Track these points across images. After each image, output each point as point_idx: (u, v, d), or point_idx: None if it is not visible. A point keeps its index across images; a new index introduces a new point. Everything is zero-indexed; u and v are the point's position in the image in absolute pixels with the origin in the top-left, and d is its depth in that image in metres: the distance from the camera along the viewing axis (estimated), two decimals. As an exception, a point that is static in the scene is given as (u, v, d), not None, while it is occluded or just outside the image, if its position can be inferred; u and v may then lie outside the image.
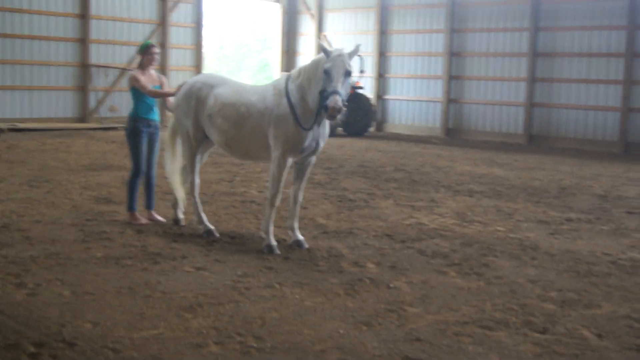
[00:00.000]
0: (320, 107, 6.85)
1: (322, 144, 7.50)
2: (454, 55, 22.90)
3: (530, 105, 21.12)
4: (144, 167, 8.53)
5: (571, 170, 15.22)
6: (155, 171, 8.77)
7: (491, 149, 19.18)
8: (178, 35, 23.58)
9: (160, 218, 8.68)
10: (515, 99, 21.55)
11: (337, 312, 5.50)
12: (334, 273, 6.58)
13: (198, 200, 8.12)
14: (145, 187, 8.72)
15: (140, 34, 22.65)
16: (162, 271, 6.43)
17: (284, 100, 7.28)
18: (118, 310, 5.34)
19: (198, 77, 8.25)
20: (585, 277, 6.72)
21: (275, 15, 27.83)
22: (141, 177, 8.53)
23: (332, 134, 20.88)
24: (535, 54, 21.01)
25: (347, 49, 7.01)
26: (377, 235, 8.18)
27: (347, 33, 25.64)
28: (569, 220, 9.52)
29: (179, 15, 23.58)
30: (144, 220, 8.47)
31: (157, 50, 8.61)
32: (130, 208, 8.53)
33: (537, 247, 7.80)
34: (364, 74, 23.01)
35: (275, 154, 7.32)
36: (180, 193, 8.40)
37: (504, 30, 21.78)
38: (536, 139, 21.06)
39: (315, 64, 7.13)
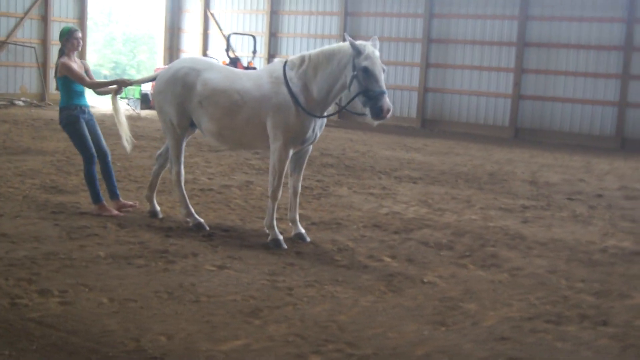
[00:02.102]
0: (366, 106, 6.57)
1: (319, 133, 7.26)
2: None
3: (424, 90, 21.64)
4: (94, 152, 7.91)
5: (482, 155, 15.78)
6: (110, 156, 8.16)
7: (390, 133, 19.45)
8: (61, 8, 22.03)
9: (130, 202, 8.15)
10: (409, 84, 22.00)
11: (400, 311, 5.35)
12: (360, 269, 6.40)
13: (184, 191, 7.62)
14: (104, 175, 8.12)
15: (20, 4, 20.96)
16: (185, 271, 5.98)
17: (283, 88, 6.95)
18: (180, 319, 4.90)
19: (182, 62, 7.70)
20: (592, 266, 6.95)
21: (157, -10, 26.76)
22: (95, 163, 7.91)
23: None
24: (429, 40, 21.53)
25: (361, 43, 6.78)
26: (367, 226, 8.06)
27: (237, 12, 25.10)
28: (525, 207, 9.84)
29: (62, 10, 22.05)
30: (114, 212, 7.86)
31: (79, 34, 8.00)
32: (96, 200, 7.90)
33: (524, 237, 7.99)
34: (256, 55, 22.73)
35: (275, 144, 6.98)
36: (125, 135, 8.00)
37: (397, 16, 22.14)
38: (429, 123, 21.64)
39: (328, 55, 6.83)
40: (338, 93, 6.95)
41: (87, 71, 8.06)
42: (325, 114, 7.09)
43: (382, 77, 6.54)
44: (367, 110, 6.56)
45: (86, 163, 7.90)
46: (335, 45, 6.94)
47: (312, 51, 7.07)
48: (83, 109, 7.94)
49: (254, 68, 22.10)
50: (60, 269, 5.83)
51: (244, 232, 7.45)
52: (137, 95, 21.23)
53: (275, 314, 5.11)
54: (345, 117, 22.90)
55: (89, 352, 4.26)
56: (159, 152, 8.08)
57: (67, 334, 4.50)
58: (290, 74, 6.99)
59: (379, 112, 6.44)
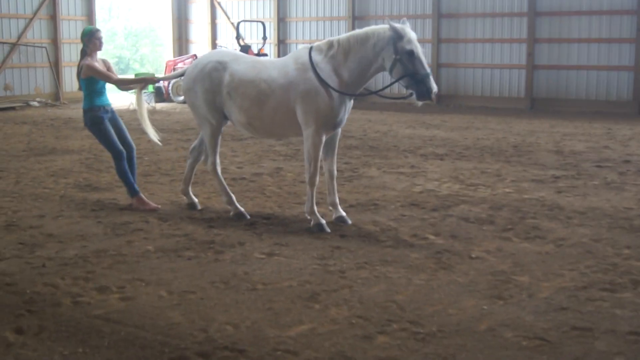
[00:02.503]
0: (410, 88, 6.76)
1: (346, 117, 7.28)
2: (357, 18, 22.93)
3: (437, 65, 21.57)
4: (122, 148, 7.95)
5: (503, 128, 15.75)
6: (135, 150, 8.21)
7: (408, 111, 19.38)
8: (69, 6, 22.03)
9: (153, 205, 8.04)
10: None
11: (454, 287, 5.38)
12: (407, 247, 6.44)
13: (223, 180, 7.67)
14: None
15: (29, 5, 20.97)
16: (235, 261, 6.03)
17: (310, 74, 6.96)
18: (241, 308, 4.95)
19: (209, 56, 7.71)
20: (635, 232, 6.96)
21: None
22: (124, 159, 7.96)
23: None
24: (439, 15, 21.43)
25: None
26: (404, 205, 8.09)
27: (244, -1, 25.03)
28: (556, 177, 9.83)
29: (69, 8, 22.04)
30: (153, 204, 7.92)
31: (101, 34, 8.00)
32: (134, 193, 7.96)
33: (562, 207, 8.00)
34: (266, 41, 22.69)
35: (308, 131, 7.01)
36: (151, 131, 8.08)
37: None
38: (445, 99, 21.57)
39: (361, 40, 6.85)
40: (371, 76, 7.04)
41: (109, 69, 8.09)
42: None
43: (424, 60, 6.62)
44: (413, 92, 6.69)
45: (116, 159, 7.96)
46: (367, 29, 6.95)
47: (341, 36, 7.09)
48: (106, 109, 7.98)
49: (265, 54, 22.09)
50: (113, 266, 5.89)
51: (284, 218, 7.49)
52: (151, 89, 21.26)
53: (333, 297, 5.15)
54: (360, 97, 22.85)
55: (160, 345, 4.32)
56: (192, 145, 8.12)
57: (135, 329, 4.56)
58: (317, 58, 7.01)
59: (427, 93, 6.61)
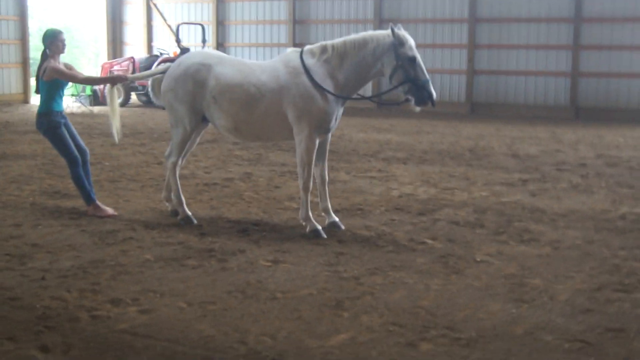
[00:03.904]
0: (409, 94, 6.76)
1: (338, 121, 7.24)
2: (297, 22, 22.89)
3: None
4: (77, 154, 7.69)
5: (451, 132, 16.02)
6: (89, 155, 7.93)
7: (353, 115, 19.41)
8: (1, 29, 21.17)
9: (109, 211, 7.73)
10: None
11: (473, 292, 5.39)
12: (410, 252, 6.42)
13: (178, 182, 7.51)
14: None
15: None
16: (243, 269, 5.87)
17: (303, 78, 6.88)
18: (270, 318, 4.81)
19: (192, 57, 7.49)
20: (622, 233, 7.16)
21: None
22: (80, 165, 7.69)
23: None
24: (381, 20, 21.62)
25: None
26: (389, 210, 8.09)
27: (182, 1, 24.63)
28: (524, 181, 10.04)
29: (1, 8, 21.20)
30: (110, 211, 7.67)
31: (64, 37, 7.74)
32: (89, 200, 7.68)
33: (542, 210, 8.15)
34: (206, 44, 22.43)
35: (301, 135, 6.91)
36: (117, 128, 7.87)
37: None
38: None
39: (358, 45, 6.80)
40: (368, 81, 7.02)
41: (71, 70, 7.80)
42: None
43: (424, 66, 6.69)
44: (412, 98, 6.70)
45: (71, 165, 7.66)
46: (364, 34, 6.92)
47: (335, 40, 7.03)
48: (62, 114, 7.71)
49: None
50: (116, 277, 5.64)
51: (275, 225, 7.36)
52: (89, 92, 20.64)
53: (358, 304, 5.07)
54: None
55: (204, 359, 4.15)
56: (167, 152, 7.85)
57: (170, 343, 4.37)
58: (310, 62, 6.93)
59: (427, 99, 6.62)
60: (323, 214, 7.33)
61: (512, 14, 20.05)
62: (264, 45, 23.30)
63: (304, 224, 7.05)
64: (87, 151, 7.91)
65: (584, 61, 19.34)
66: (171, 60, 20.37)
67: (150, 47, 25.01)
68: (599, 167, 11.27)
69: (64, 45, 7.65)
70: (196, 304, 5.06)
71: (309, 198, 7.07)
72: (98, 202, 7.71)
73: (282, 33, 23.06)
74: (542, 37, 19.76)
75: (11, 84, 21.79)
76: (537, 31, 19.82)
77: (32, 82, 24.01)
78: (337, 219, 7.27)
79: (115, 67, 21.67)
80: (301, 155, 6.94)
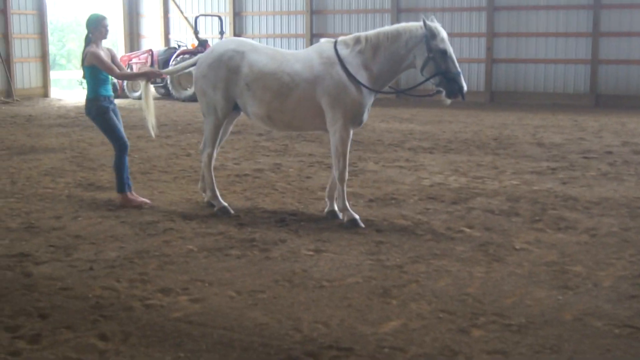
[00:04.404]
0: (440, 86, 6.78)
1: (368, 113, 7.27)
2: (315, 12, 22.90)
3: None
4: (126, 140, 7.80)
5: (473, 121, 16.02)
6: (128, 148, 8.02)
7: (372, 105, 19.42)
8: (20, 24, 21.28)
9: (142, 199, 7.87)
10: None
11: (517, 279, 5.44)
12: (449, 240, 6.48)
13: (213, 174, 7.57)
14: None
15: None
16: (286, 258, 5.95)
17: (337, 69, 6.91)
18: (320, 305, 4.88)
19: (225, 44, 7.55)
20: (658, 220, 7.18)
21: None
22: (127, 152, 7.81)
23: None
24: (398, 10, 21.58)
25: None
26: (422, 199, 8.13)
27: (199, -8, 24.67)
28: (552, 169, 10.05)
29: (20, 3, 21.31)
30: (140, 199, 7.76)
31: (107, 22, 7.79)
32: (122, 189, 7.76)
33: (575, 198, 8.18)
34: (224, 36, 22.45)
35: (335, 126, 6.94)
36: (152, 123, 7.94)
37: None
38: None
39: (392, 36, 6.82)
40: (400, 73, 7.06)
41: (113, 58, 7.86)
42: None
43: (455, 59, 6.70)
44: (443, 90, 6.73)
45: (118, 151, 7.74)
46: (397, 26, 6.95)
47: (369, 32, 7.04)
48: (110, 99, 7.80)
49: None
50: (163, 267, 5.72)
51: (311, 215, 7.43)
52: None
53: (405, 292, 5.14)
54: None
55: (262, 347, 4.22)
56: (201, 144, 7.91)
57: (226, 331, 4.44)
58: (344, 53, 6.96)
59: (458, 91, 6.64)
60: (326, 199, 7.36)
61: (530, 1, 19.98)
62: (282, 36, 23.31)
63: (340, 215, 7.10)
64: (128, 144, 7.99)
65: (603, 48, 19.26)
66: (190, 52, 20.50)
67: (167, 40, 25.08)
68: (626, 155, 11.26)
69: (107, 31, 7.71)
70: (245, 292, 5.13)
71: (345, 188, 7.11)
72: (128, 194, 7.77)
73: (300, 23, 23.07)
74: (561, 24, 19.68)
75: (31, 78, 21.92)
76: (555, 18, 19.74)
77: (52, 75, 24.29)
78: (336, 209, 7.22)
79: (134, 60, 21.76)
80: (336, 145, 6.99)
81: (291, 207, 7.76)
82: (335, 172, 7.11)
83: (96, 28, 7.63)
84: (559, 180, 9.19)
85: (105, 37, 7.74)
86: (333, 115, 6.93)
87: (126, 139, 7.78)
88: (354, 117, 6.96)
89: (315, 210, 7.62)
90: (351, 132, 7.03)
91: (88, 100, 7.76)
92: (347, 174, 7.11)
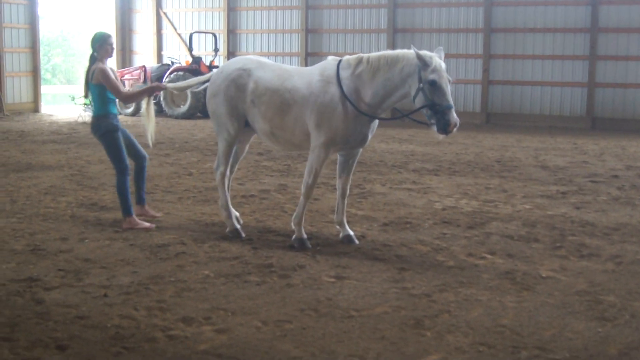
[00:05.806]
0: (432, 119, 6.34)
1: (370, 136, 7.05)
2: (310, 31, 22.80)
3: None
4: (128, 163, 7.60)
5: (472, 143, 15.90)
6: (147, 162, 7.98)
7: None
8: (12, 13, 21.00)
9: (154, 213, 7.95)
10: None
11: (551, 309, 5.25)
12: (472, 268, 6.28)
13: (227, 194, 7.38)
14: (138, 178, 7.94)
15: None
16: (308, 285, 5.72)
17: (333, 88, 6.70)
18: (352, 337, 4.66)
19: (233, 63, 7.39)
20: (681, 248, 7.03)
21: (104, -9, 25.82)
22: (129, 175, 7.62)
23: (194, 116, 20.28)
24: (395, 30, 21.53)
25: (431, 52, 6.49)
26: (437, 223, 7.95)
27: (192, 10, 24.50)
28: (562, 193, 9.91)
29: (12, 16, 21.06)
30: (146, 224, 7.55)
31: (113, 40, 7.66)
32: (128, 213, 7.55)
33: (592, 223, 8.03)
34: (219, 53, 22.30)
35: (315, 143, 6.75)
36: (151, 135, 7.91)
37: (360, 7, 22.06)
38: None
39: (391, 61, 6.52)
40: (395, 101, 6.68)
41: (117, 77, 7.70)
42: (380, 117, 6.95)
43: (449, 91, 6.32)
44: (433, 124, 6.35)
45: (120, 174, 7.54)
46: (399, 51, 6.66)
47: (372, 54, 6.78)
48: (116, 117, 7.63)
49: (217, 67, 21.62)
50: (180, 294, 5.48)
51: (326, 238, 7.23)
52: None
53: (438, 323, 4.93)
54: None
55: (298, 382, 3.99)
56: (215, 163, 7.70)
57: (259, 365, 4.21)
58: (344, 74, 6.75)
59: (445, 126, 6.25)
60: (338, 227, 7.19)
61: (527, 24, 19.97)
62: (276, 54, 23.14)
63: (293, 227, 6.95)
64: (147, 157, 7.89)
65: (600, 71, 19.27)
66: (183, 69, 20.28)
67: (160, 56, 24.86)
68: (633, 179, 11.16)
69: (112, 49, 7.60)
70: (271, 322, 4.90)
71: (306, 205, 6.99)
72: (134, 216, 7.58)
73: (294, 42, 22.95)
74: (557, 47, 19.69)
75: (22, 93, 21.61)
76: (552, 41, 19.75)
77: (43, 90, 23.98)
78: (351, 233, 7.10)
79: (126, 76, 21.51)
80: (311, 162, 6.81)
81: (304, 230, 7.52)
82: (302, 187, 6.95)
83: (102, 46, 7.48)
84: (572, 205, 9.04)
85: (110, 55, 7.60)
86: (316, 132, 6.73)
87: (127, 162, 7.58)
88: (335, 139, 6.70)
89: (329, 233, 7.41)
90: (330, 153, 6.84)
91: (96, 117, 7.56)
92: (313, 192, 7.02)
